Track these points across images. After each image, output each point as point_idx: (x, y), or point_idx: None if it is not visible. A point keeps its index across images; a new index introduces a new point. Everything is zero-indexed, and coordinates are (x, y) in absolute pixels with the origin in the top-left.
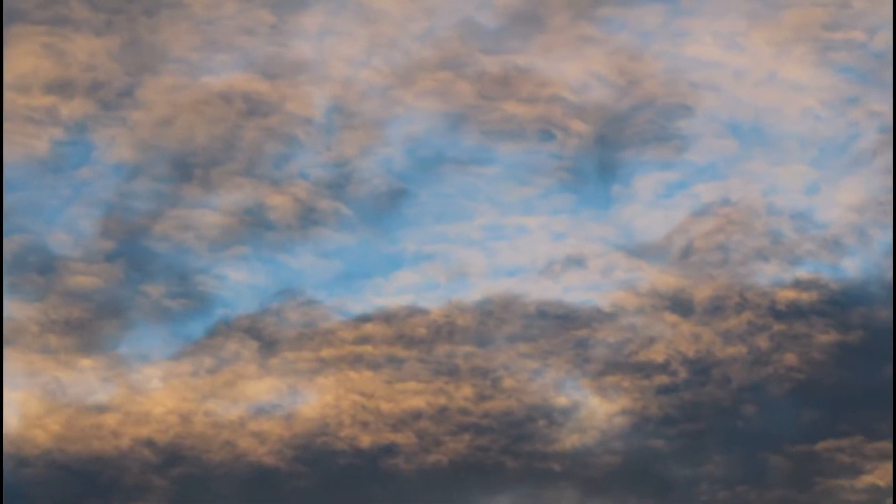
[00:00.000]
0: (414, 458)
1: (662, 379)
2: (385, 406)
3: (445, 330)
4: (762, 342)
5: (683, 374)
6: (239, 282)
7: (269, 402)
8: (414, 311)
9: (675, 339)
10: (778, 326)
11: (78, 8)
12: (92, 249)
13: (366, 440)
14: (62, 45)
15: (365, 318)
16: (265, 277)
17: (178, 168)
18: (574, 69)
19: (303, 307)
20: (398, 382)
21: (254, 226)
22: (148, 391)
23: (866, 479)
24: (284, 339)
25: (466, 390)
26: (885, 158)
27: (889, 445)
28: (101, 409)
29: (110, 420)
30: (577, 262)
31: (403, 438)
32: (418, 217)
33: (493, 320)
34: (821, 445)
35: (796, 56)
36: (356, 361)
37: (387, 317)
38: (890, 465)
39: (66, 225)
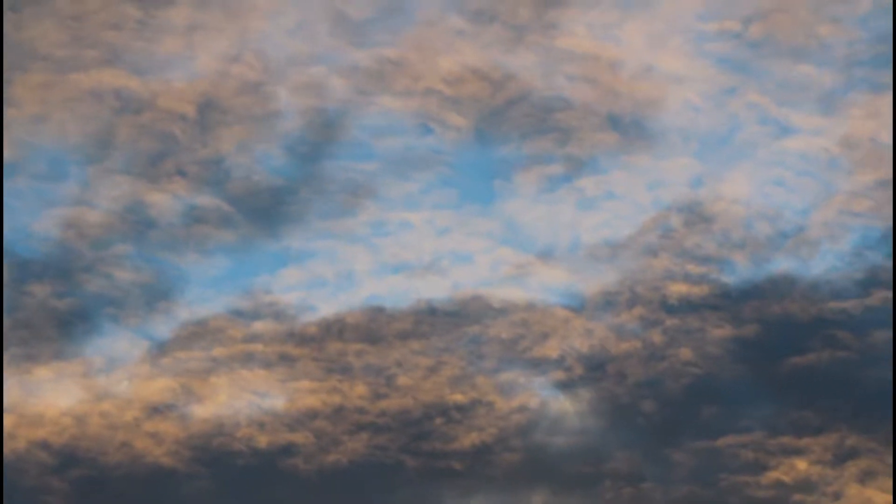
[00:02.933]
0: (313, 458)
1: (558, 375)
2: (280, 405)
3: (336, 328)
4: (656, 337)
5: (579, 369)
6: (125, 280)
7: (163, 403)
8: (303, 309)
9: (567, 334)
10: (671, 321)
11: None
12: None
13: (263, 440)
14: None
15: (254, 317)
16: (151, 276)
17: (55, 166)
18: (447, 62)
19: (191, 306)
20: (292, 381)
21: (135, 224)
22: (40, 392)
23: (771, 476)
24: (175, 338)
25: (361, 389)
26: (767, 150)
27: (791, 441)
28: None
29: (5, 422)
30: (463, 257)
31: (301, 438)
32: (301, 214)
33: (383, 317)
34: (722, 441)
35: (672, 47)
36: (248, 360)
37: (276, 315)
38: (794, 461)
39: None
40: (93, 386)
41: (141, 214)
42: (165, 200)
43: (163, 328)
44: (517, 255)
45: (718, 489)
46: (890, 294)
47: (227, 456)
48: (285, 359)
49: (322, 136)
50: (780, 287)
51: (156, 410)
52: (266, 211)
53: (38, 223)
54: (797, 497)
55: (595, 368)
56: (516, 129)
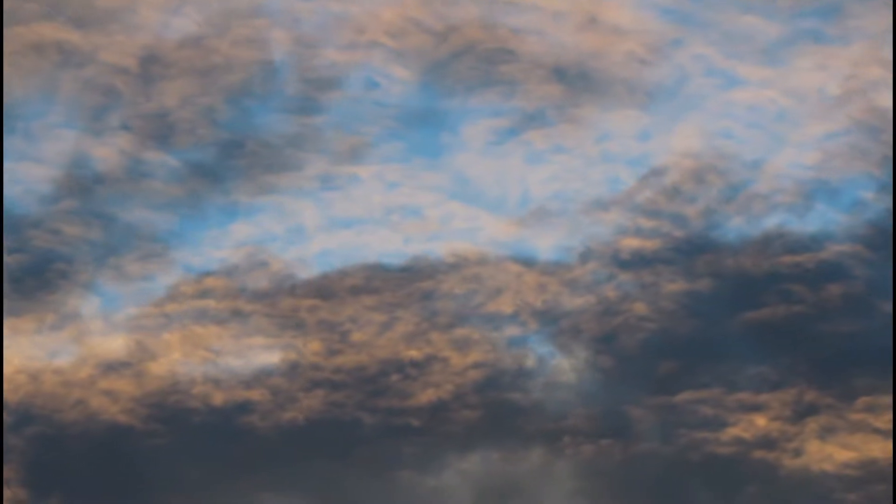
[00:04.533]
0: (269, 416)
1: (513, 330)
2: (235, 362)
3: (287, 283)
4: (609, 292)
5: (533, 325)
6: (74, 236)
7: (118, 360)
8: (254, 265)
9: (521, 289)
10: (624, 276)
11: None
12: None
13: (219, 398)
14: None
15: (205, 272)
16: (100, 231)
17: None
18: (390, 14)
19: (141, 261)
20: (245, 338)
21: (82, 179)
22: None
23: (731, 432)
24: (126, 294)
25: (315, 345)
26: (715, 102)
27: (750, 396)
28: None
29: None
30: (413, 211)
31: (257, 395)
32: (248, 168)
33: (334, 273)
34: (680, 397)
35: None
36: (201, 317)
37: (227, 270)
38: (754, 417)
39: None
40: (45, 343)
41: (87, 169)
42: (111, 155)
43: (113, 284)
44: (467, 209)
45: (678, 446)
46: (844, 247)
47: (184, 413)
48: (238, 315)
49: (266, 90)
50: (732, 241)
51: (110, 368)
52: (212, 166)
53: None
54: (758, 454)
55: (550, 324)
56: (461, 81)
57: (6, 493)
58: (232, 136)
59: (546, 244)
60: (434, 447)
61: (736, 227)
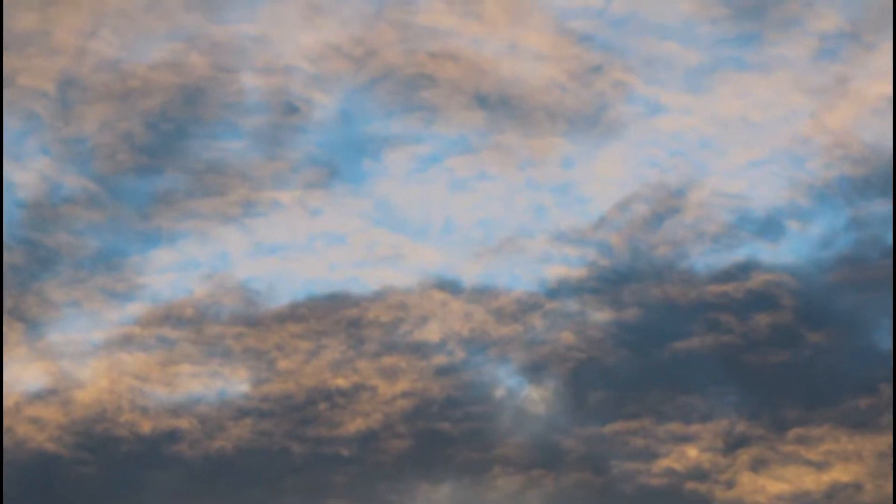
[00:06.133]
0: (198, 444)
1: (440, 359)
2: (162, 390)
3: (213, 310)
4: (536, 321)
5: (461, 354)
6: None
7: (44, 388)
8: (178, 291)
9: (447, 318)
10: (550, 304)
11: None
12: None
13: (146, 426)
14: None
15: (129, 298)
16: (22, 257)
17: None
18: (309, 39)
19: (64, 287)
20: (172, 365)
21: (3, 204)
22: None
23: (662, 463)
24: (50, 320)
25: (242, 373)
26: (638, 130)
27: (681, 427)
28: None
29: None
30: (338, 238)
31: (185, 423)
32: (169, 193)
33: (260, 299)
34: (610, 428)
35: (534, 25)
36: (126, 343)
37: (151, 297)
38: (685, 448)
39: None
40: None
41: (8, 194)
42: (32, 180)
43: (37, 310)
44: (392, 236)
45: (610, 476)
46: (771, 277)
47: (111, 442)
48: (164, 342)
49: (185, 114)
50: (659, 270)
51: (36, 395)
52: (133, 191)
53: None
54: (690, 485)
55: (477, 353)
56: (382, 107)
57: None
58: (152, 162)
59: (471, 272)
60: (364, 477)
61: (661, 255)
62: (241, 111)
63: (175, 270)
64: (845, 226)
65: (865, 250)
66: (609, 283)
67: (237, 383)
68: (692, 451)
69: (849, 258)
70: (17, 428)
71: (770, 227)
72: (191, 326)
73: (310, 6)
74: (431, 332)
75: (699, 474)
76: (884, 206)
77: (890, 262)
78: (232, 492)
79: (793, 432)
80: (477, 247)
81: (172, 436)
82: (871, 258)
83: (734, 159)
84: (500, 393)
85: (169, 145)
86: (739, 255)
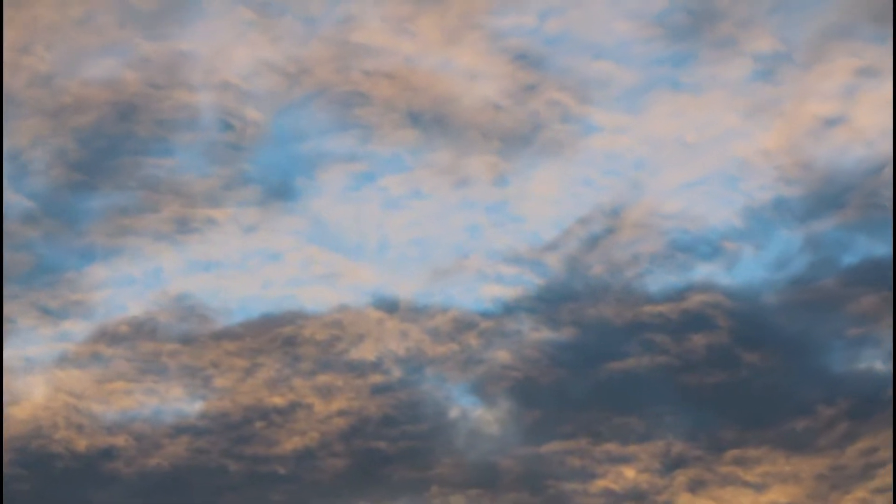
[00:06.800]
0: (134, 462)
1: (376, 378)
2: (97, 407)
3: (147, 327)
4: (472, 340)
5: (397, 372)
6: None
7: None
8: (113, 308)
9: (382, 336)
10: (486, 324)
11: None
12: None
13: (82, 443)
14: None
15: (63, 315)
16: None
17: None
18: (241, 55)
19: None
20: (107, 382)
21: None
22: None
23: (600, 483)
24: None
25: (178, 391)
26: (573, 149)
27: (617, 448)
28: None
29: None
30: (273, 256)
31: (121, 441)
32: (103, 210)
33: (193, 317)
34: (547, 447)
35: (467, 43)
36: (61, 360)
37: (85, 314)
38: (622, 469)
39: None
40: None
41: None
42: None
43: None
44: (326, 254)
45: (547, 496)
46: (706, 297)
47: (47, 458)
48: (98, 359)
49: (118, 131)
50: (594, 290)
51: None
52: (68, 207)
53: None
54: None
55: (413, 372)
56: (316, 125)
57: None
58: (85, 178)
59: (406, 291)
60: (301, 495)
61: (597, 275)
62: (175, 128)
63: (110, 287)
64: (782, 247)
65: (806, 271)
66: (545, 303)
67: (173, 401)
68: (629, 472)
69: (788, 279)
70: None
71: (706, 247)
72: (126, 343)
73: (244, 23)
74: (367, 351)
75: (637, 495)
76: (821, 227)
77: (834, 283)
78: None
79: (730, 453)
80: (412, 265)
81: (108, 453)
82: (815, 278)
83: (670, 180)
84: (437, 412)
85: (103, 162)
86: (675, 275)
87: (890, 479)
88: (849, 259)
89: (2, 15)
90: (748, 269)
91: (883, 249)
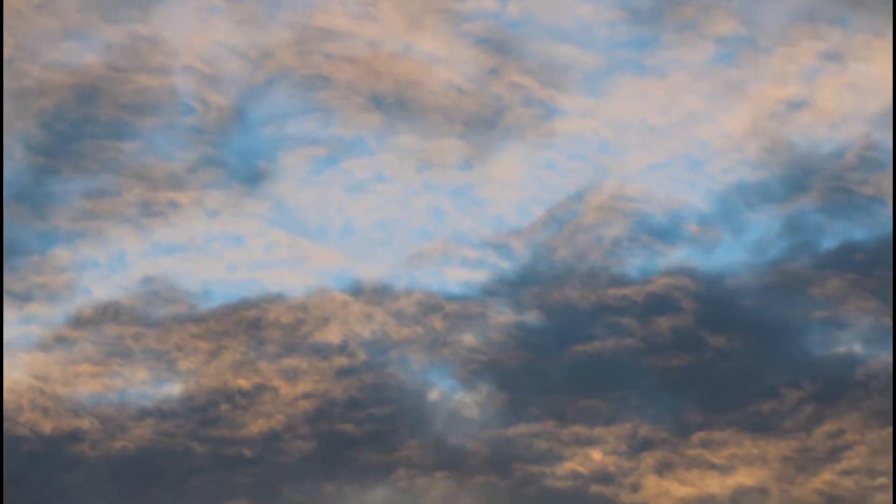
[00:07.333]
0: (100, 445)
1: (342, 361)
2: (62, 390)
3: (111, 310)
4: (437, 322)
5: (362, 355)
6: None
7: None
8: (77, 291)
9: (347, 319)
10: (451, 307)
11: None
12: None
13: (48, 426)
14: None
15: (27, 298)
16: None
17: None
18: (202, 39)
19: None
20: (71, 365)
21: None
22: None
23: (567, 466)
24: None
25: (142, 373)
26: (536, 133)
27: (584, 430)
28: None
29: None
30: (236, 239)
31: (86, 424)
32: (65, 194)
33: (158, 300)
34: (513, 430)
35: (429, 27)
36: (25, 343)
37: (49, 297)
38: (589, 451)
39: None
40: None
41: None
42: None
43: None
44: (290, 237)
45: (514, 479)
46: (671, 280)
47: (12, 441)
48: (63, 342)
49: (79, 114)
50: (559, 273)
51: None
52: (30, 190)
53: None
54: (595, 488)
55: (378, 354)
56: (278, 108)
57: None
58: (47, 162)
59: (371, 274)
60: (266, 477)
61: (562, 258)
62: (139, 112)
63: (74, 271)
64: (746, 229)
65: (772, 253)
66: (510, 286)
67: (138, 384)
68: (596, 454)
69: (753, 262)
70: None
71: (670, 230)
72: (91, 326)
73: (205, 7)
74: (333, 334)
75: (604, 477)
76: (785, 210)
77: (801, 266)
78: (134, 492)
79: (697, 436)
80: (377, 249)
81: (74, 436)
82: (781, 261)
83: (634, 163)
84: (402, 395)
85: (66, 146)
86: (640, 258)
87: (857, 461)
88: (820, 242)
89: (2, 18)
90: (713, 252)
91: (852, 233)
